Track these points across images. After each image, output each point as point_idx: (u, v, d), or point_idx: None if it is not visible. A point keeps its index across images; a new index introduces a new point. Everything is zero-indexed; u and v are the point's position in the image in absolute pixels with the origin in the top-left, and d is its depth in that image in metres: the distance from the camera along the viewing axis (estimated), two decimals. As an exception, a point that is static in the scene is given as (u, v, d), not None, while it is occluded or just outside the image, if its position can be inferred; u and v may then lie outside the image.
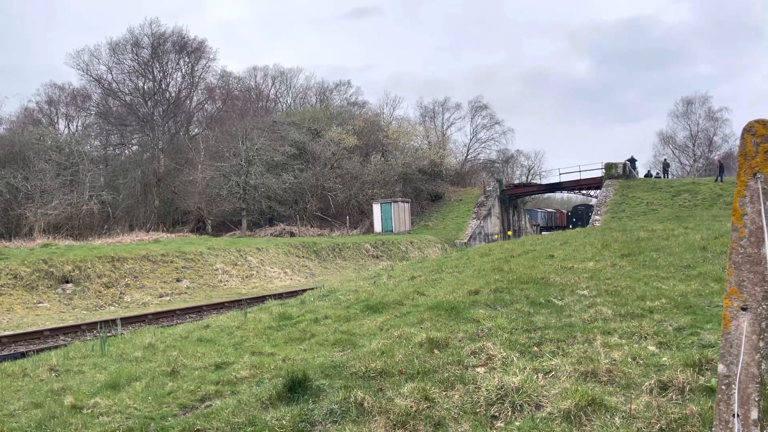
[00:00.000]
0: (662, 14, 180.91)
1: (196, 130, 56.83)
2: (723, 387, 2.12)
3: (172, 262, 25.26)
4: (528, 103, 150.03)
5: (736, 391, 2.04)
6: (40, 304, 20.01)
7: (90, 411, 5.14)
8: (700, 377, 4.31)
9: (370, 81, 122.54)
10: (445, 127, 68.68)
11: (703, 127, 66.82)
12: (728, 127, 65.52)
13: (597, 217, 35.84)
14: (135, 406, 5.17)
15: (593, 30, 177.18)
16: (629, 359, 4.85)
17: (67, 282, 21.52)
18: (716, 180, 37.29)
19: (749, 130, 2.29)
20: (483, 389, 4.50)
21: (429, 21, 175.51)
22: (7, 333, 15.57)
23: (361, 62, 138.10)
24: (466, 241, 42.12)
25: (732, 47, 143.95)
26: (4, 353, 13.53)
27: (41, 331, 15.58)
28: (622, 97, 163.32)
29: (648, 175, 49.50)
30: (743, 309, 2.12)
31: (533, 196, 60.07)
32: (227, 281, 25.88)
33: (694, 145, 67.21)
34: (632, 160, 45.49)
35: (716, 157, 49.19)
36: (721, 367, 2.15)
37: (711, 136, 66.71)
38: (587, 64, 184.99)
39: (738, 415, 2.04)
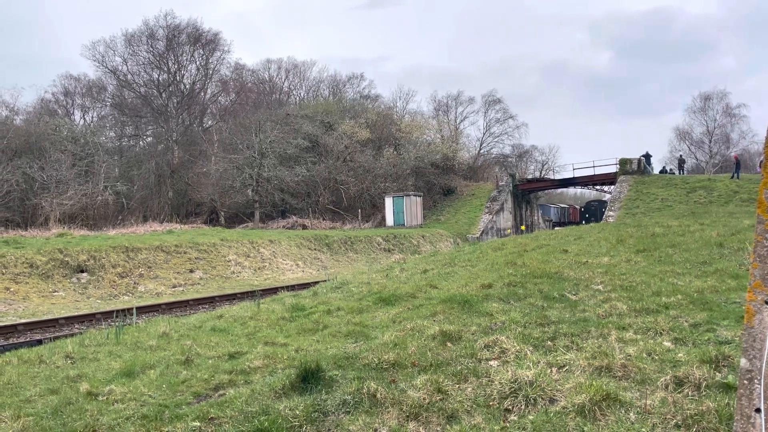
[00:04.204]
0: (687, 5, 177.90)
1: (209, 122, 57.06)
2: (745, 382, 2.09)
3: (185, 253, 25.43)
4: (544, 96, 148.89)
5: (760, 386, 2.01)
6: (56, 293, 20.24)
7: (105, 398, 5.19)
8: (717, 374, 4.27)
9: (385, 73, 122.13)
10: (458, 121, 68.45)
11: (720, 123, 66.03)
12: (746, 123, 64.71)
13: (611, 213, 35.58)
14: (149, 393, 5.21)
15: (615, 21, 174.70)
16: (644, 355, 4.82)
17: (82, 271, 21.74)
18: (732, 177, 36.87)
19: (776, 121, 2.24)
20: (496, 382, 4.48)
21: (446, 11, 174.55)
22: (23, 321, 15.78)
23: (377, 54, 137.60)
24: (478, 235, 42.00)
25: (758, 40, 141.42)
26: (21, 340, 13.71)
27: (57, 320, 15.77)
28: (642, 91, 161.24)
29: (663, 171, 49.05)
30: (767, 303, 2.08)
31: (546, 191, 59.71)
32: (240, 273, 26.02)
33: (710, 142, 66.42)
34: (647, 156, 45.07)
35: (733, 154, 48.56)
36: (743, 362, 2.12)
37: (728, 132, 65.93)
38: (608, 57, 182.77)
39: (761, 411, 2.01)
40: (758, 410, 2.02)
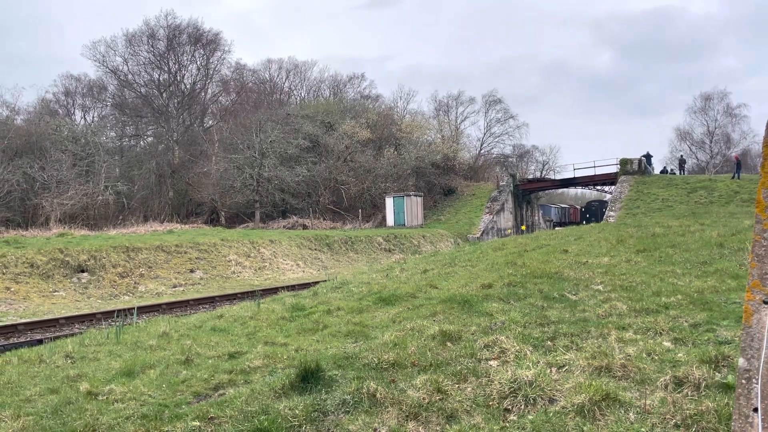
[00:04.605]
0: (688, 5, 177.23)
1: (210, 122, 57.08)
2: (743, 381, 2.09)
3: (185, 252, 25.44)
4: (545, 96, 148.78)
5: (757, 386, 2.02)
6: (56, 293, 20.25)
7: (105, 397, 5.20)
8: (716, 374, 4.27)
9: (386, 73, 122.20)
10: (458, 121, 68.50)
11: (721, 124, 66.04)
12: (747, 123, 64.65)
13: (611, 213, 35.58)
14: (149, 393, 5.21)
15: (616, 20, 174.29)
16: (644, 355, 4.82)
17: (83, 271, 21.75)
18: (733, 177, 36.86)
19: (774, 120, 2.24)
20: (496, 382, 4.49)
21: (446, 11, 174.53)
22: (24, 321, 15.79)
23: (378, 54, 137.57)
24: (478, 235, 42.00)
25: (760, 40, 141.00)
26: (22, 340, 13.72)
27: (57, 320, 15.78)
28: (643, 91, 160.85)
29: (664, 171, 49.05)
30: (765, 302, 2.08)
31: (547, 191, 59.69)
32: (240, 273, 26.03)
33: (711, 142, 66.40)
34: (648, 156, 45.06)
35: (733, 154, 48.53)
36: (741, 361, 2.12)
37: (729, 132, 65.93)
38: (609, 56, 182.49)
39: (758, 410, 2.01)
40: (756, 409, 2.02)
